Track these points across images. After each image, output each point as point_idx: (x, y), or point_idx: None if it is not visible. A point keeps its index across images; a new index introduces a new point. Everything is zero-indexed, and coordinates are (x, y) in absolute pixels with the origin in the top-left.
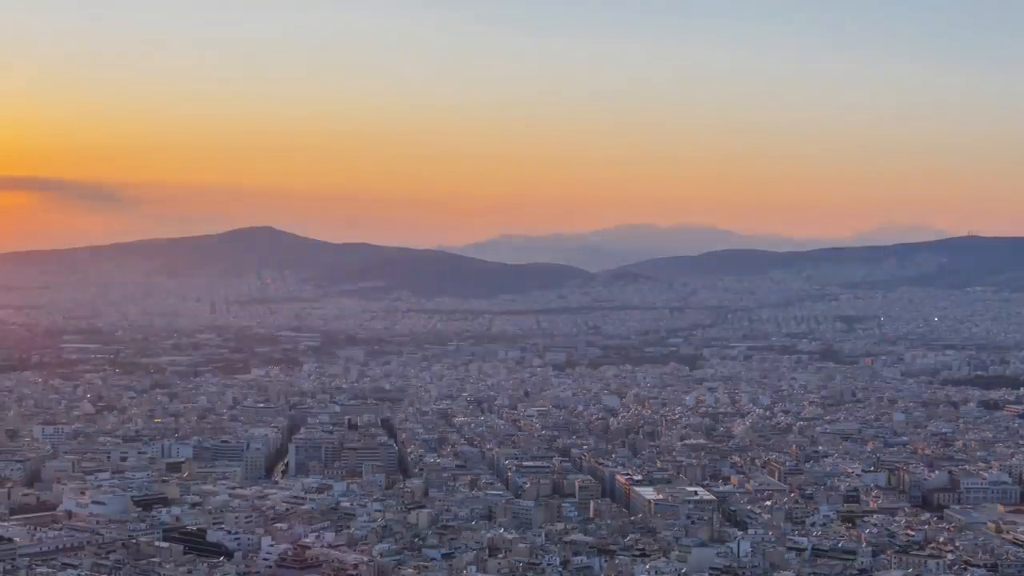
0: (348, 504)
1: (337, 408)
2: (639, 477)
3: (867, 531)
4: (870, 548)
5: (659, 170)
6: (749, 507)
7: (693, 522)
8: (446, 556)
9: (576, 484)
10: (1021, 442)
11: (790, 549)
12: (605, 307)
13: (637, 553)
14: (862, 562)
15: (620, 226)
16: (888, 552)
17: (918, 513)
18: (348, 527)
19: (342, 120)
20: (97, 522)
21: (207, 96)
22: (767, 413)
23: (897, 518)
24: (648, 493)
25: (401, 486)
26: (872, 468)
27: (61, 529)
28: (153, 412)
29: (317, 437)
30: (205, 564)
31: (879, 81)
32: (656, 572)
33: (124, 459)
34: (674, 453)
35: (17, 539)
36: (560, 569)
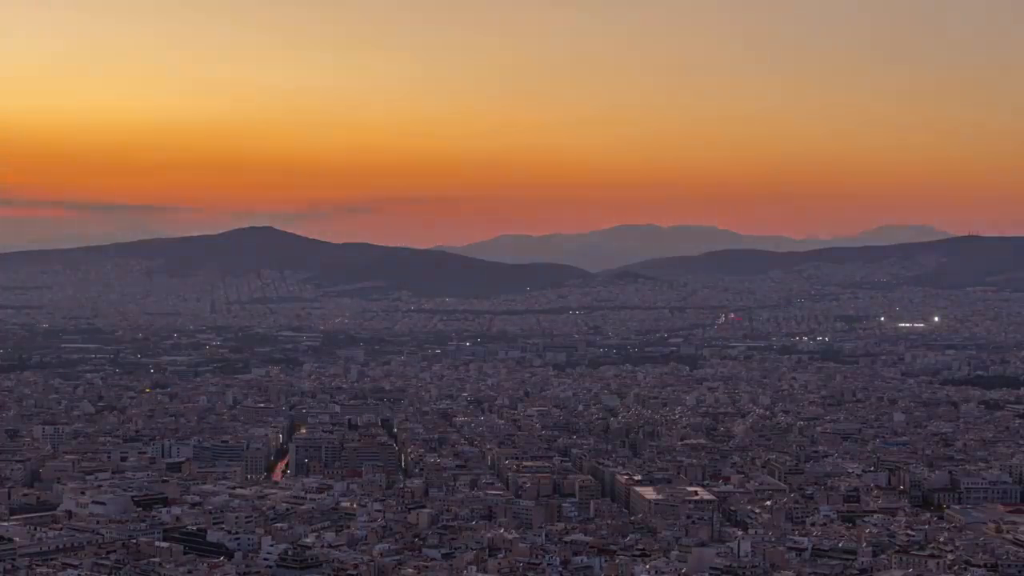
0: (348, 504)
1: (337, 408)
2: (639, 477)
3: (867, 531)
4: (870, 548)
5: (659, 170)
6: (749, 507)
7: (693, 522)
8: (446, 556)
9: (576, 484)
10: (1021, 442)
11: (790, 549)
12: (605, 307)
13: (637, 553)
14: (862, 562)
15: (620, 226)
16: (888, 552)
17: (918, 513)
18: (348, 527)
19: (342, 121)
20: (97, 522)
21: (209, 98)
22: (767, 413)
23: (897, 518)
24: (648, 493)
25: (401, 486)
26: (872, 468)
27: (61, 529)
28: (153, 412)
29: (317, 437)
30: (205, 564)
31: (879, 81)
32: (656, 572)
33: (124, 459)
34: (674, 453)
35: (17, 539)
36: (560, 569)
